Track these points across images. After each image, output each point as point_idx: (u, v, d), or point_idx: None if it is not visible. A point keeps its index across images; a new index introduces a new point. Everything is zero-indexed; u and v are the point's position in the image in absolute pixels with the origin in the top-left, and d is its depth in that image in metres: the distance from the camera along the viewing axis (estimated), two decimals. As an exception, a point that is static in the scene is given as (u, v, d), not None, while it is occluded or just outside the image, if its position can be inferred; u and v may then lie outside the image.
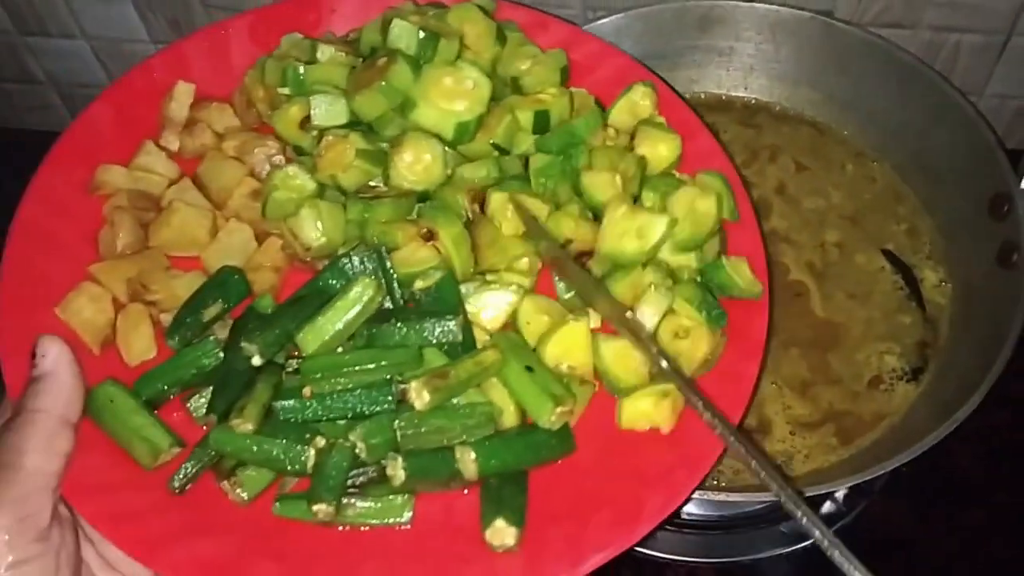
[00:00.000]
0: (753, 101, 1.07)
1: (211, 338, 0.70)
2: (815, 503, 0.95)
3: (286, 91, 0.79)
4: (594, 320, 0.71)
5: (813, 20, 0.99)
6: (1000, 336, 0.82)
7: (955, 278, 0.94)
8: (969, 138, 0.91)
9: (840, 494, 0.96)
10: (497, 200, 0.74)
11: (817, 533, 0.58)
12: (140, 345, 0.71)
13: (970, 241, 0.93)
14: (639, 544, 0.93)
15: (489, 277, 0.73)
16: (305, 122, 0.77)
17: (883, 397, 0.89)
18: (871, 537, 0.95)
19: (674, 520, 0.95)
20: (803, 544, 0.95)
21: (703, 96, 1.07)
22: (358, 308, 0.68)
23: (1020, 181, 0.88)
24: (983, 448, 0.99)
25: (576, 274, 0.71)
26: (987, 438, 0.99)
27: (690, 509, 0.96)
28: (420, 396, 0.64)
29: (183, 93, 0.81)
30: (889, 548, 0.95)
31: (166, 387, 0.69)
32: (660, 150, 0.78)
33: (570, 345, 0.69)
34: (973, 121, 0.91)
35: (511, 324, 0.72)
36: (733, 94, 1.07)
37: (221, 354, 0.70)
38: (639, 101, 0.82)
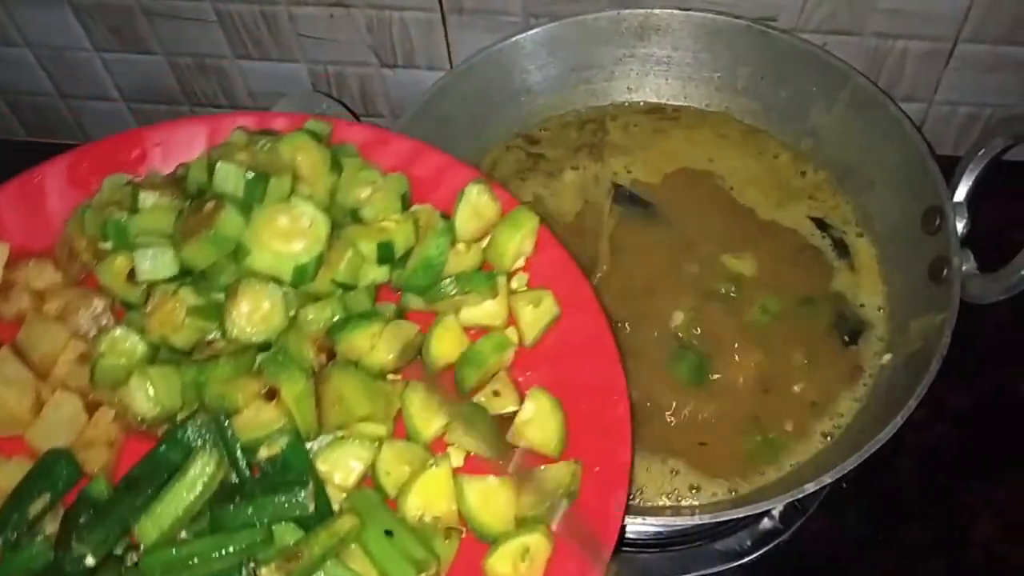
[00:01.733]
0: (692, 109, 1.05)
1: (39, 538, 0.64)
2: (753, 520, 0.94)
3: (108, 245, 0.74)
4: (456, 458, 0.69)
5: (750, 29, 0.98)
6: (929, 351, 0.80)
7: (889, 289, 0.92)
8: (904, 150, 0.89)
9: (777, 511, 0.94)
10: (347, 343, 0.70)
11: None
12: (-45, 552, 0.62)
13: (904, 254, 0.91)
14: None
15: (340, 434, 0.69)
16: (132, 275, 0.72)
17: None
18: (810, 554, 0.94)
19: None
20: (739, 562, 0.93)
21: (641, 104, 1.06)
22: (199, 488, 0.62)
23: (952, 194, 0.86)
24: (922, 463, 0.97)
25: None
26: (927, 452, 0.97)
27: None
28: (273, 583, 0.60)
29: (-4, 253, 0.73)
30: (827, 565, 0.94)
31: (-13, 597, 0.61)
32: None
33: (432, 492, 0.66)
34: (908, 133, 0.89)
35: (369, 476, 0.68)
36: (672, 103, 1.05)
37: (51, 554, 0.63)
38: (478, 200, 0.77)
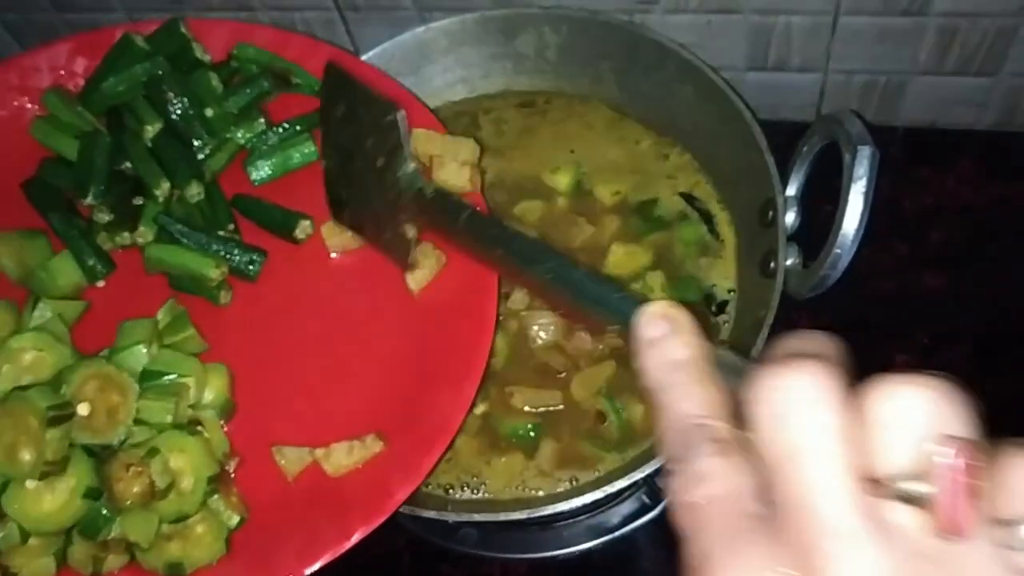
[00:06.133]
0: (563, 101, 1.08)
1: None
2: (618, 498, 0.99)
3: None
4: None
5: (609, 24, 1.00)
6: (749, 348, 0.83)
7: (739, 274, 0.95)
8: (746, 142, 0.91)
9: (643, 491, 0.99)
10: None
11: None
12: None
13: (749, 243, 0.93)
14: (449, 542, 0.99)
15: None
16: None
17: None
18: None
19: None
20: (609, 536, 0.99)
21: (514, 97, 1.09)
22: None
23: (785, 188, 0.88)
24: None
25: None
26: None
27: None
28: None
29: None
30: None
31: None
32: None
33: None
34: (749, 125, 0.90)
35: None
36: (544, 96, 1.09)
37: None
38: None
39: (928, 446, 0.30)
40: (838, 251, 0.78)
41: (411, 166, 0.72)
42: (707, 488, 0.34)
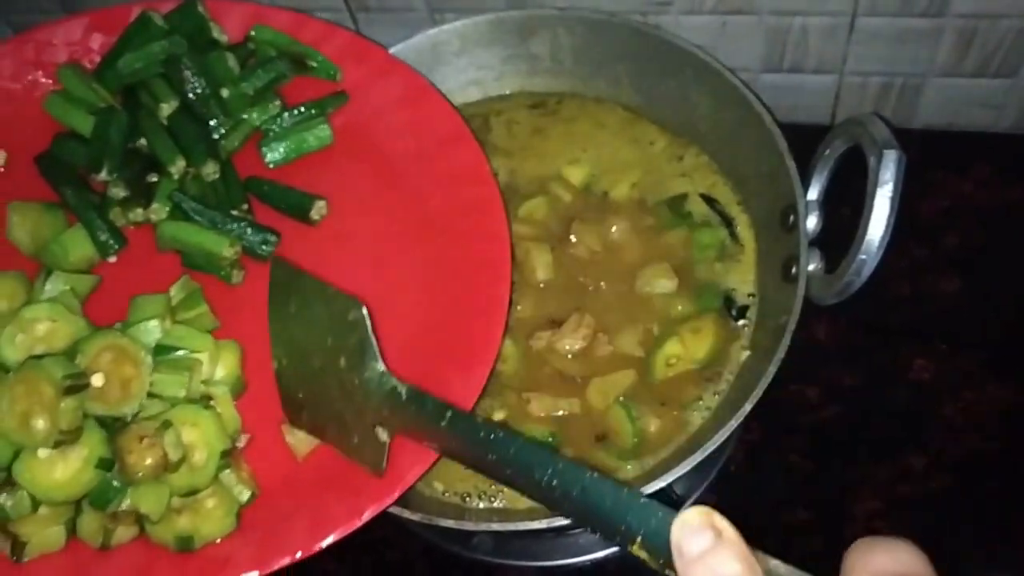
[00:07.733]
0: (575, 102, 1.07)
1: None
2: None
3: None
4: None
5: (625, 26, 0.98)
6: (771, 355, 0.81)
7: (759, 278, 0.94)
8: (766, 146, 0.89)
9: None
10: None
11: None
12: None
13: (770, 247, 0.92)
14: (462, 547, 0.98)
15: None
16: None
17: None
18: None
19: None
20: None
21: (525, 99, 1.08)
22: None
23: (806, 192, 0.87)
24: (812, 442, 0.99)
25: None
26: (818, 431, 0.99)
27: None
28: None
29: None
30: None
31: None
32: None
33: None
34: (769, 129, 0.89)
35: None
36: (556, 97, 1.07)
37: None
38: None
39: None
40: (863, 257, 0.77)
41: (380, 366, 0.68)
42: None
